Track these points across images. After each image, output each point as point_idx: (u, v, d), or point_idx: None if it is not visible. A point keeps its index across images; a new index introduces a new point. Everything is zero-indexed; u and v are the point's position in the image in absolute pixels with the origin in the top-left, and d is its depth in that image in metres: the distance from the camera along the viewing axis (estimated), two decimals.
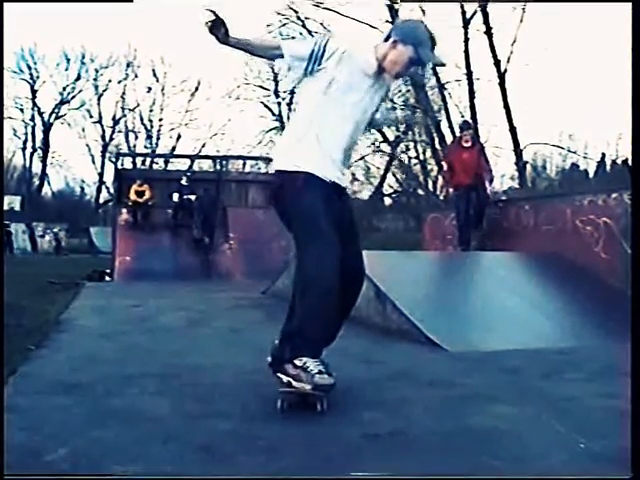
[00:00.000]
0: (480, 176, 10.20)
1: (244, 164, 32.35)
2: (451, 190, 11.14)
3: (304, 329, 3.27)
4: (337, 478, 2.52)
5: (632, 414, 2.68)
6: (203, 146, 41.93)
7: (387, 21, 26.68)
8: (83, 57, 44.52)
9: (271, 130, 39.00)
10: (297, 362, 3.23)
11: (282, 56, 3.35)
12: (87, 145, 45.92)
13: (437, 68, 27.06)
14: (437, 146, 27.55)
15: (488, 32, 24.99)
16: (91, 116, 45.33)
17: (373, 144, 34.22)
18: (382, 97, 3.59)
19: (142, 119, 44.96)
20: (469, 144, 10.40)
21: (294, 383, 3.21)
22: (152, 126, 44.81)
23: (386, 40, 3.45)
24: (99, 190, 46.64)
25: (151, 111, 44.69)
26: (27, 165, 45.40)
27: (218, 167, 20.59)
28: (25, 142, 44.63)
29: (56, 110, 44.74)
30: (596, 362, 4.81)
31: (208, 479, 2.50)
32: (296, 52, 3.33)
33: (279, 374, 3.32)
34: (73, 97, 44.92)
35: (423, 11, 26.15)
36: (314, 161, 3.36)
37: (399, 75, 3.51)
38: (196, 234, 15.52)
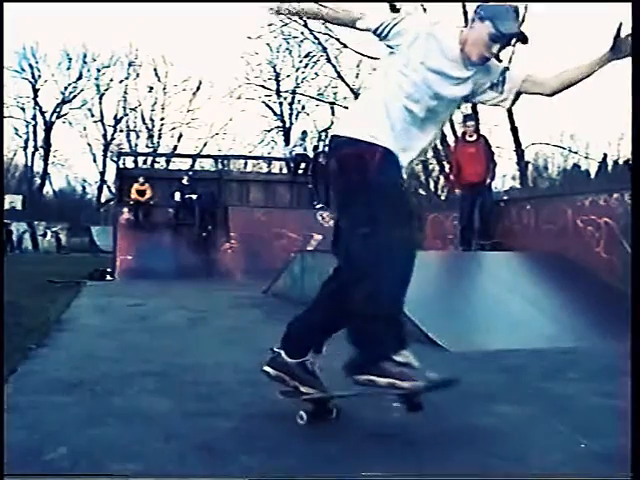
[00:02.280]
0: (485, 177, 9.96)
1: (245, 163, 32.47)
2: (457, 191, 10.88)
3: (394, 315, 2.92)
4: (338, 478, 2.52)
5: (632, 414, 2.67)
6: (204, 145, 42.00)
7: None
8: (85, 56, 44.55)
9: (272, 130, 39.07)
10: (399, 358, 2.83)
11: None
12: (88, 144, 45.99)
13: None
14: (438, 146, 27.53)
15: None
16: (92, 115, 45.40)
17: None
18: (477, 88, 3.17)
19: (143, 118, 45.01)
20: (474, 137, 10.22)
21: (399, 383, 2.80)
22: (153, 125, 44.87)
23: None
24: (100, 189, 46.67)
25: (152, 110, 44.75)
26: (28, 164, 45.42)
27: (219, 166, 20.60)
28: (26, 141, 44.70)
29: (57, 109, 44.79)
30: (596, 362, 4.81)
31: (207, 478, 2.50)
32: (370, 17, 3.10)
33: (371, 377, 2.87)
34: (74, 96, 44.96)
35: (424, 10, 26.17)
36: (390, 141, 3.00)
37: (483, 57, 3.06)
38: (195, 231, 15.57)
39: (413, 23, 3.06)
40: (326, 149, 3.39)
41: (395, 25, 3.03)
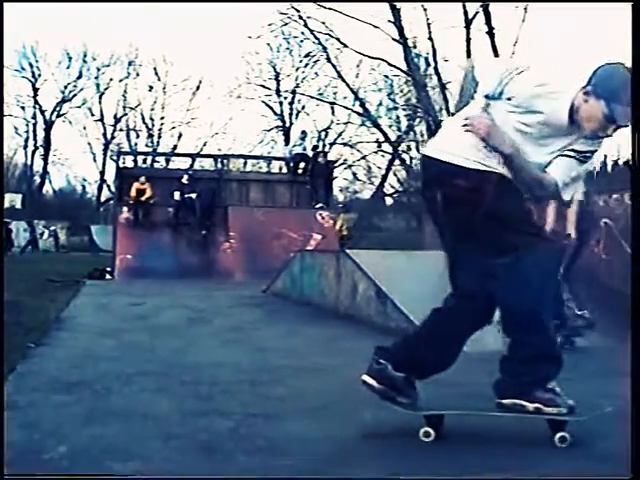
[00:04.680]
0: None
1: (245, 163, 32.43)
2: None
3: (552, 340, 2.98)
4: (337, 478, 2.51)
5: (632, 414, 2.67)
6: (204, 145, 41.90)
7: (389, 21, 26.68)
8: (85, 55, 44.33)
9: (272, 129, 39.04)
10: (548, 385, 2.92)
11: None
12: (88, 143, 45.77)
13: (439, 68, 27.08)
14: None
15: (490, 32, 24.98)
16: (92, 114, 45.22)
17: (376, 142, 34.36)
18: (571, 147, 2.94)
19: (143, 118, 44.89)
20: None
21: (546, 409, 2.89)
22: (153, 125, 44.74)
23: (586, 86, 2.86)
24: (100, 188, 46.55)
25: (152, 110, 44.60)
26: (28, 163, 45.31)
27: (219, 166, 20.58)
28: (26, 140, 44.53)
29: (57, 108, 44.64)
30: (596, 362, 4.80)
31: (207, 478, 2.50)
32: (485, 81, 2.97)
33: (520, 401, 2.93)
34: (74, 95, 44.81)
35: (425, 10, 26.18)
36: (500, 168, 2.90)
37: (596, 135, 2.89)
38: (196, 228, 15.57)
39: (521, 89, 2.86)
40: (415, 170, 3.23)
41: (505, 86, 2.89)
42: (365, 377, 3.10)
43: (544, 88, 2.86)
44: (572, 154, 2.94)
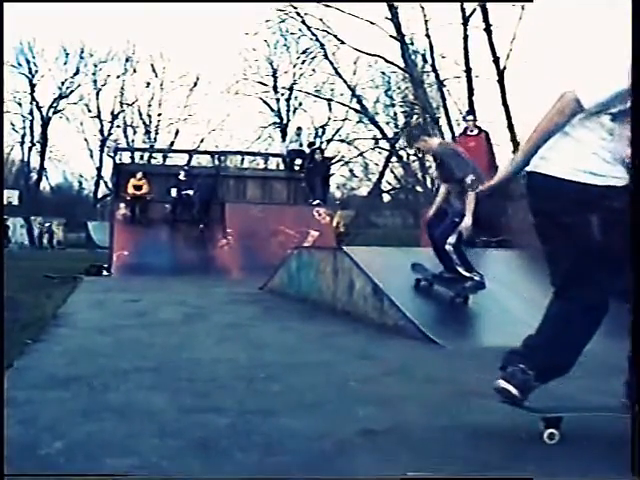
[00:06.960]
0: (486, 171, 9.89)
1: (242, 160, 32.41)
2: None
3: None
4: (333, 477, 2.52)
5: (632, 414, 2.68)
6: (201, 141, 41.83)
7: (387, 18, 26.67)
8: (82, 52, 44.23)
9: (269, 126, 39.00)
10: None
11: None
12: (85, 140, 45.69)
13: (436, 65, 27.08)
14: None
15: (487, 29, 24.96)
16: (90, 111, 45.14)
17: (374, 139, 34.34)
18: None
19: (141, 114, 44.85)
20: (475, 132, 10.21)
21: None
22: (150, 121, 44.71)
23: None
24: (97, 185, 46.52)
25: (150, 106, 44.57)
26: (25, 159, 45.24)
27: (216, 162, 20.56)
28: (23, 136, 44.41)
29: (54, 104, 44.56)
30: (595, 361, 4.79)
31: (204, 477, 2.50)
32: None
33: None
34: (72, 91, 44.72)
35: (422, 7, 26.17)
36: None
37: None
38: (195, 222, 15.58)
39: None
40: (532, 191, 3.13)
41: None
42: (505, 385, 3.04)
43: None
44: None
